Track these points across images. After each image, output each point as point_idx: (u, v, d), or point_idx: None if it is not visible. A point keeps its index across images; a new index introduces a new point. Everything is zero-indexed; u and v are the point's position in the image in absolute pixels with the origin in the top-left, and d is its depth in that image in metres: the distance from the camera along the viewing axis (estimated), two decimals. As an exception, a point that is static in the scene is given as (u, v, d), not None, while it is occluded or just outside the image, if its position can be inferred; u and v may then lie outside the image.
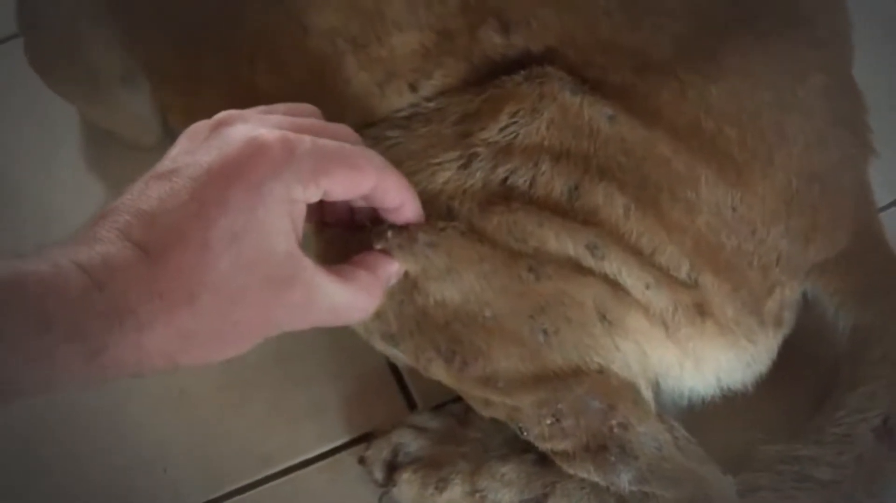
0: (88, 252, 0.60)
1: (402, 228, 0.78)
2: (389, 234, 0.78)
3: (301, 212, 0.67)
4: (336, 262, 0.75)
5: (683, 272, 0.80)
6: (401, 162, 0.79)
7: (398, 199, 0.74)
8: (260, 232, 0.63)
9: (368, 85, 0.85)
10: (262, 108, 0.73)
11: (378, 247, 0.78)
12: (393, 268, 0.76)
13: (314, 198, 0.67)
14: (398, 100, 0.85)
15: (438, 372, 0.84)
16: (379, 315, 0.83)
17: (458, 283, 0.79)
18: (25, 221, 1.16)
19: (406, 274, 0.79)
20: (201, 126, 0.69)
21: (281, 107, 0.74)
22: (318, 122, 0.73)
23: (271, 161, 0.64)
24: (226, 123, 0.68)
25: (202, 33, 0.92)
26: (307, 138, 0.67)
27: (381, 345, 0.86)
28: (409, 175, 0.78)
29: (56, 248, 0.60)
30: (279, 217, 0.64)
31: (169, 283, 0.61)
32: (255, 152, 0.64)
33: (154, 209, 0.62)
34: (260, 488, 0.96)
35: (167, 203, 0.62)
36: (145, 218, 0.62)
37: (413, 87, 0.84)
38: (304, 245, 0.68)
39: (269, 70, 0.88)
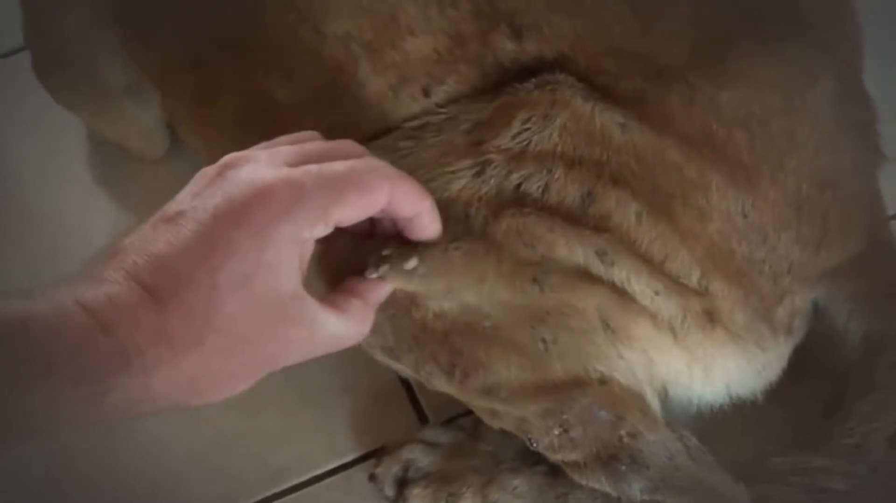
0: (95, 293, 0.60)
1: (398, 257, 0.78)
2: (385, 266, 0.78)
3: (309, 249, 0.67)
4: (338, 268, 0.76)
5: (694, 279, 0.80)
6: (413, 171, 0.78)
7: (414, 208, 0.74)
8: (268, 274, 0.63)
9: (383, 89, 0.85)
10: (264, 143, 0.73)
11: (373, 276, 0.78)
12: (383, 293, 0.76)
13: (324, 232, 0.67)
14: (412, 105, 0.85)
15: (441, 384, 0.84)
16: (375, 330, 0.82)
17: (458, 300, 0.80)
18: (34, 236, 1.16)
19: (398, 299, 0.80)
20: (209, 170, 0.69)
21: (283, 138, 0.74)
22: (324, 146, 0.73)
23: (278, 202, 0.64)
24: (231, 166, 0.68)
25: (215, 42, 0.92)
26: (314, 170, 0.67)
27: (382, 359, 0.86)
28: (424, 184, 0.77)
29: (62, 288, 0.61)
30: (287, 257, 0.64)
31: (177, 327, 0.61)
32: (261, 194, 0.64)
33: (161, 252, 0.62)
34: (271, 504, 0.96)
35: (175, 246, 0.63)
36: (153, 260, 0.62)
37: (426, 92, 0.84)
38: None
39: (283, 77, 0.88)
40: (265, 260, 0.63)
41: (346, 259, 0.79)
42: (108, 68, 1.04)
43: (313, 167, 0.67)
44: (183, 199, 0.66)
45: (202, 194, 0.65)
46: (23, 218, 1.18)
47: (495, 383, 0.81)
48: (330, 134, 0.86)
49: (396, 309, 0.81)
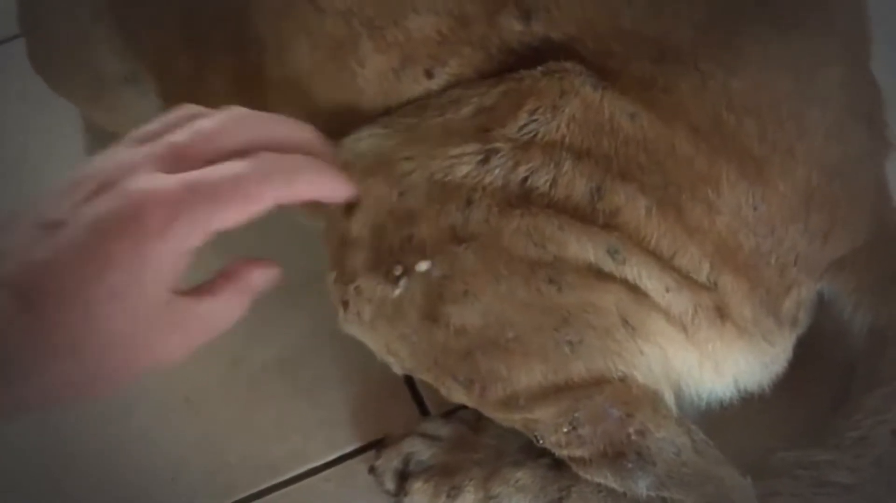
0: None
1: (412, 267, 0.79)
2: (403, 280, 0.78)
3: (185, 260, 0.66)
4: None
5: (704, 274, 0.79)
6: (412, 146, 0.79)
7: (318, 197, 0.74)
8: (143, 286, 0.63)
9: (384, 69, 0.84)
10: (150, 130, 0.71)
11: (395, 294, 0.79)
12: (256, 275, 0.75)
13: (201, 242, 0.67)
14: (414, 87, 0.84)
15: (460, 397, 0.83)
16: (392, 354, 0.84)
17: (477, 305, 0.78)
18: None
19: (418, 317, 0.80)
20: (88, 174, 0.67)
21: (168, 120, 0.73)
22: (239, 135, 0.71)
23: (156, 218, 0.63)
24: (111, 179, 0.66)
25: (208, 19, 0.91)
26: (194, 181, 0.65)
27: (383, 358, 0.86)
28: (425, 159, 0.78)
29: None
30: (163, 270, 0.64)
31: (50, 335, 0.61)
32: (140, 209, 0.63)
33: (39, 260, 0.62)
34: (268, 497, 0.95)
35: (53, 255, 0.62)
36: (30, 268, 0.62)
37: (429, 74, 0.83)
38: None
39: (278, 55, 0.87)
40: (141, 273, 0.63)
41: None
42: (104, 56, 1.02)
43: (193, 177, 0.65)
44: (62, 206, 0.65)
45: (81, 204, 0.64)
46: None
47: (514, 393, 0.80)
48: (327, 115, 0.86)
49: (413, 330, 0.81)
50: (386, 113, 0.85)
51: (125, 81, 1.04)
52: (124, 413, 0.99)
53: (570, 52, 0.81)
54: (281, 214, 1.03)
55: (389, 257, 0.80)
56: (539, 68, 0.80)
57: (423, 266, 0.79)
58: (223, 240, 1.09)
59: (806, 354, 0.86)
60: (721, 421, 0.86)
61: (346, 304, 0.83)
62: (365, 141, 0.82)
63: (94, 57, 1.03)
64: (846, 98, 0.83)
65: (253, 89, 0.89)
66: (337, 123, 0.85)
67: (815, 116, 0.81)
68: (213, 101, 0.93)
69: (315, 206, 0.79)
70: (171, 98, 1.02)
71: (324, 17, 0.84)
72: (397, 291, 0.80)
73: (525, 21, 0.81)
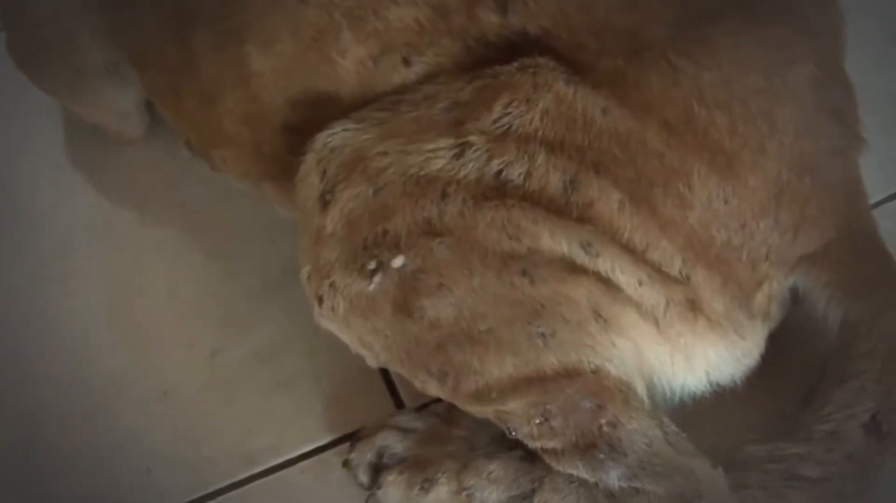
0: None
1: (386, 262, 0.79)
2: (378, 275, 0.79)
3: None
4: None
5: (676, 268, 0.80)
6: (387, 140, 0.79)
7: None
8: None
9: (363, 58, 0.84)
10: None
11: (370, 289, 0.79)
12: None
13: None
14: (392, 75, 0.84)
15: (434, 390, 0.84)
16: (366, 347, 0.84)
17: (450, 298, 0.79)
18: (9, 217, 1.15)
19: (392, 311, 0.80)
20: None
21: None
22: None
23: None
24: None
25: (193, 13, 0.91)
26: None
27: (357, 351, 0.86)
28: (400, 154, 0.78)
29: None
30: None
31: None
32: None
33: None
34: (244, 488, 0.96)
35: None
36: None
37: (407, 62, 0.84)
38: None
39: (260, 45, 0.87)
40: None
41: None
42: (86, 49, 1.03)
43: None
44: None
45: None
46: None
47: (486, 385, 0.80)
48: (309, 104, 0.87)
49: (387, 324, 0.81)
50: (365, 103, 0.85)
51: (106, 74, 1.04)
52: (103, 406, 1.00)
53: (546, 47, 0.81)
54: (261, 208, 1.04)
55: (364, 252, 0.80)
56: (514, 64, 0.81)
57: (397, 261, 0.79)
58: (208, 232, 1.10)
59: (779, 350, 0.87)
60: (694, 415, 0.86)
61: (320, 299, 0.83)
62: (339, 135, 0.83)
63: (76, 50, 1.03)
64: (817, 95, 0.84)
65: (237, 81, 0.90)
66: (318, 113, 0.86)
67: (786, 113, 0.82)
68: (194, 92, 0.94)
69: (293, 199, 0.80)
70: (154, 89, 1.03)
71: (306, 8, 0.85)
72: (372, 286, 0.80)
73: (502, 13, 0.82)
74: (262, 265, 1.07)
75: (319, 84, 0.86)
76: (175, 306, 1.06)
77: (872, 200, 0.93)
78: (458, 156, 0.79)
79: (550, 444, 0.81)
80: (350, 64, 0.85)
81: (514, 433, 0.82)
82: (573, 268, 0.78)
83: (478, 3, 0.82)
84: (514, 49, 0.82)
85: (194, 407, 1.00)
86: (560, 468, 0.82)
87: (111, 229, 1.12)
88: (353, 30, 0.84)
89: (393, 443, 0.91)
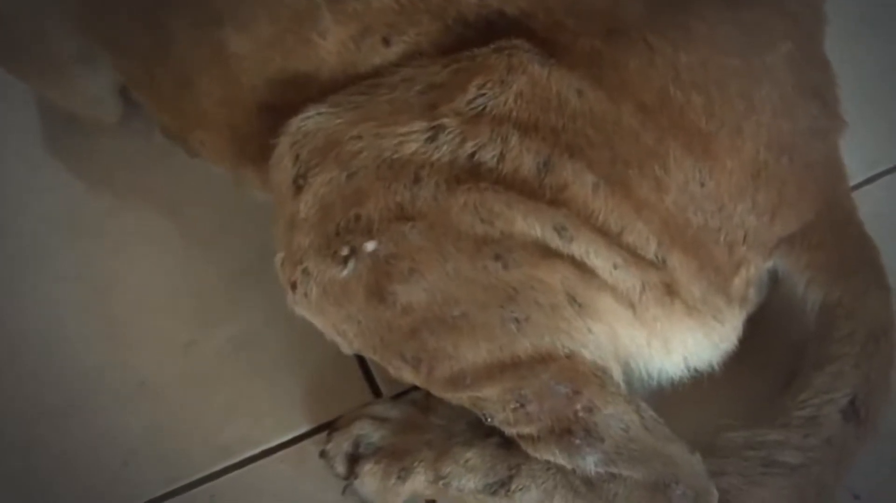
0: None
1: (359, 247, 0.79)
2: (351, 261, 0.78)
3: None
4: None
5: (651, 251, 0.79)
6: (361, 123, 0.78)
7: None
8: None
9: (344, 39, 0.84)
10: None
11: (343, 275, 0.79)
12: None
13: None
14: (373, 56, 0.83)
15: (409, 377, 0.83)
16: (340, 334, 0.83)
17: (423, 283, 0.78)
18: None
19: (365, 296, 0.80)
20: None
21: None
22: None
23: None
24: None
25: None
26: None
27: (333, 339, 0.86)
28: (373, 138, 0.77)
29: None
30: None
31: None
32: None
33: None
34: (221, 479, 0.95)
35: None
36: None
37: (386, 41, 0.83)
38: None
39: (238, 27, 0.87)
40: None
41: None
42: (58, 35, 1.01)
43: None
44: None
45: None
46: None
47: (461, 370, 0.80)
48: (288, 85, 0.86)
49: (360, 309, 0.80)
50: (346, 83, 0.84)
51: (80, 60, 1.03)
52: (78, 397, 0.99)
53: (524, 27, 0.81)
54: (238, 195, 1.03)
55: (337, 238, 0.80)
56: (490, 46, 0.80)
57: (369, 246, 0.79)
58: (183, 221, 1.10)
59: (757, 333, 0.87)
60: (671, 399, 0.86)
61: (294, 285, 0.83)
62: (312, 119, 0.82)
63: (48, 36, 1.02)
64: (795, 75, 0.83)
65: (215, 62, 0.89)
66: (298, 94, 0.85)
67: (764, 93, 0.81)
68: (171, 76, 0.93)
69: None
70: (129, 73, 1.02)
71: None
72: (345, 272, 0.79)
73: None
74: (238, 253, 1.06)
75: (299, 65, 0.85)
76: (149, 296, 1.05)
77: (852, 182, 0.92)
78: (431, 139, 0.79)
79: (526, 430, 0.80)
80: (331, 45, 0.84)
81: (489, 419, 0.82)
82: (547, 252, 0.78)
83: None
84: (494, 29, 0.81)
85: (171, 398, 0.99)
86: (536, 454, 0.81)
87: (84, 219, 1.11)
88: (333, 11, 0.83)
89: (369, 432, 0.90)
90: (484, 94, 0.79)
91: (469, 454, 0.85)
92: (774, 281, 0.87)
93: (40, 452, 0.97)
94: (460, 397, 0.82)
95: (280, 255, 0.84)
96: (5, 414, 0.99)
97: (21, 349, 1.03)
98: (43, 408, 0.99)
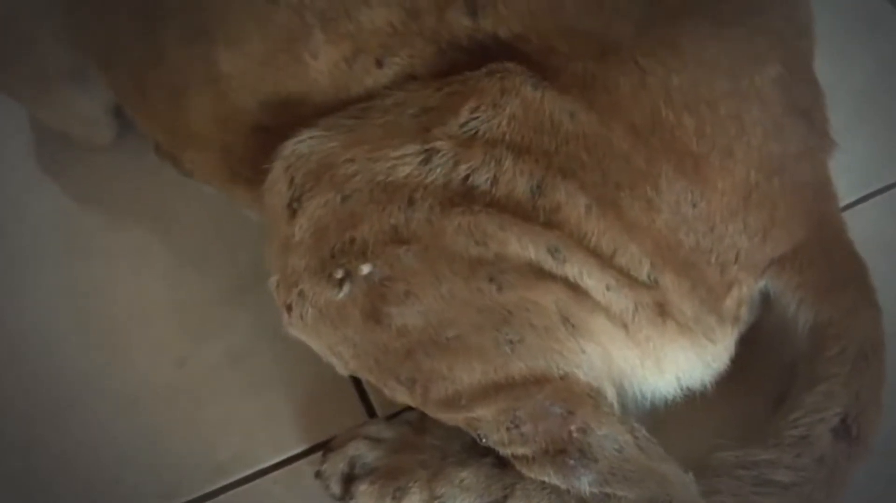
0: None
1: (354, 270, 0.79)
2: (347, 284, 0.79)
3: None
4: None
5: (644, 272, 0.80)
6: (355, 146, 0.79)
7: None
8: None
9: (336, 60, 0.84)
10: None
11: (338, 297, 0.79)
12: None
13: None
14: (365, 77, 0.84)
15: (404, 398, 0.84)
16: (336, 355, 0.84)
17: (418, 305, 0.79)
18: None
19: (361, 318, 0.80)
20: None
21: None
22: None
23: None
24: None
25: (160, 12, 0.90)
26: None
27: (329, 361, 0.86)
28: (367, 161, 0.78)
29: None
30: None
31: None
32: None
33: None
34: (214, 499, 0.94)
35: None
36: None
37: (379, 63, 0.84)
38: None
39: (229, 45, 0.87)
40: None
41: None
42: (50, 53, 1.02)
43: None
44: None
45: None
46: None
47: (455, 392, 0.80)
48: (280, 105, 0.86)
49: (356, 332, 0.81)
50: (338, 104, 0.85)
51: (71, 79, 1.04)
52: (69, 414, 0.99)
53: (518, 51, 0.81)
54: (230, 212, 1.03)
55: (332, 261, 0.80)
56: (483, 69, 0.81)
57: (365, 269, 0.79)
58: (176, 237, 1.10)
59: (749, 352, 0.87)
60: (665, 419, 0.86)
61: (289, 308, 0.83)
62: (306, 143, 0.82)
63: (39, 54, 1.02)
64: (784, 96, 0.84)
65: (207, 81, 0.89)
66: (290, 114, 0.86)
67: (754, 114, 0.82)
68: (161, 93, 0.93)
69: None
70: (122, 91, 1.02)
71: (276, 9, 0.85)
72: (340, 294, 0.80)
73: (472, 16, 0.82)
74: (231, 270, 1.06)
75: (291, 85, 0.86)
76: (142, 312, 1.05)
77: (843, 203, 0.93)
78: (425, 161, 0.79)
79: (521, 451, 0.81)
80: (322, 65, 0.85)
81: (484, 440, 0.82)
82: (540, 274, 0.78)
83: (449, 6, 0.82)
84: (487, 53, 0.82)
85: (163, 415, 0.99)
86: (531, 475, 0.81)
87: (78, 235, 1.11)
88: (326, 31, 0.84)
89: (364, 452, 0.90)
90: (477, 118, 0.79)
91: (464, 474, 0.85)
92: (766, 301, 0.87)
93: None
94: (455, 418, 0.83)
95: (275, 278, 0.84)
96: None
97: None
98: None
